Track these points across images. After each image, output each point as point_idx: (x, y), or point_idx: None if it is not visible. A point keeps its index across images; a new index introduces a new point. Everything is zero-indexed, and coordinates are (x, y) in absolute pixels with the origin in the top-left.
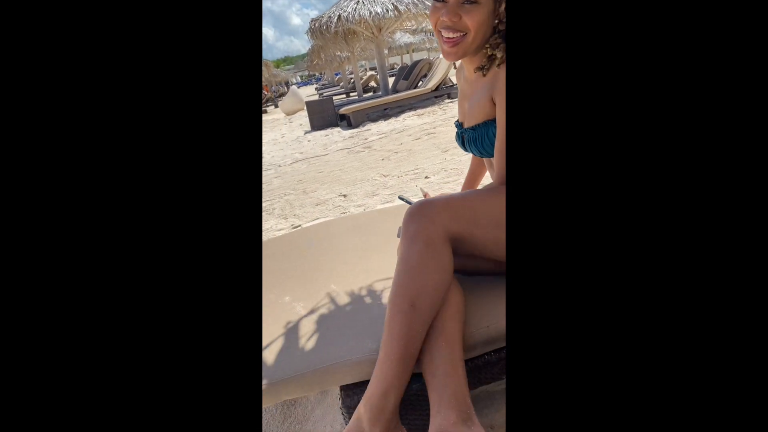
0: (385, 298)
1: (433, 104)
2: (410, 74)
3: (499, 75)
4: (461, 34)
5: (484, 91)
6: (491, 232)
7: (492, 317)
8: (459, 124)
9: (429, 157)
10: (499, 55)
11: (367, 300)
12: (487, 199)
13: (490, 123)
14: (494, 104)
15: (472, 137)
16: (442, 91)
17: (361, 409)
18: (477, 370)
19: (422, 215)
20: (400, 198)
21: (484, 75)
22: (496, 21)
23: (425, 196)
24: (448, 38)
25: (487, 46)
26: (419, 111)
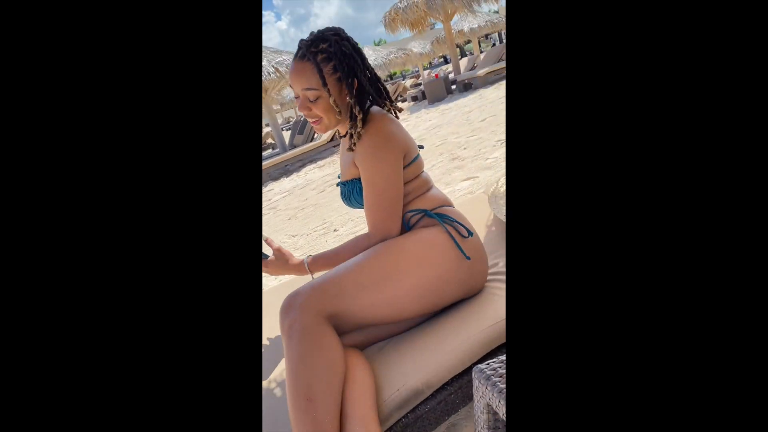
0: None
1: (332, 154)
2: (304, 127)
3: (357, 148)
4: (317, 118)
5: (349, 156)
6: (363, 298)
7: (400, 379)
8: (339, 182)
9: (335, 208)
10: (357, 131)
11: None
12: (351, 267)
13: (356, 181)
14: (356, 168)
15: (344, 191)
16: (338, 141)
17: None
18: None
19: (291, 307)
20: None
21: (349, 148)
22: (349, 99)
23: (267, 242)
24: (311, 122)
25: (352, 124)
26: (320, 163)
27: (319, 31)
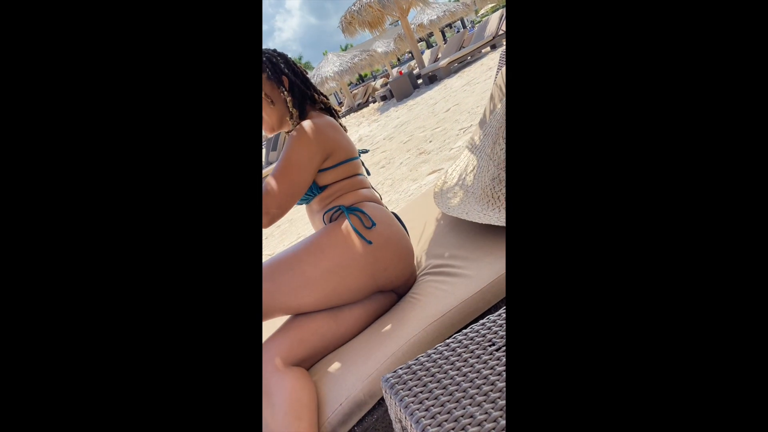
0: None
1: None
2: (276, 144)
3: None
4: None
5: None
6: (284, 284)
7: (344, 392)
8: None
9: (308, 222)
10: (293, 122)
11: None
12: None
13: None
14: None
15: None
16: None
17: None
18: None
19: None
20: None
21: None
22: (283, 95)
23: None
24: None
25: (292, 121)
26: None
27: None
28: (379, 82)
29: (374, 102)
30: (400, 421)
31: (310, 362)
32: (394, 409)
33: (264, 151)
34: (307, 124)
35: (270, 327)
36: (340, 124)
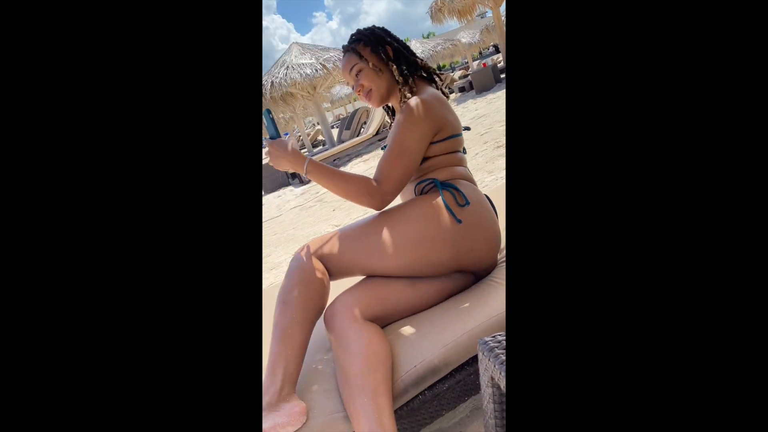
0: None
1: (377, 148)
2: (351, 123)
3: (401, 108)
4: (368, 91)
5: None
6: (358, 245)
7: (418, 355)
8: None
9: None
10: (405, 94)
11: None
12: (359, 245)
13: None
14: None
15: None
16: (384, 134)
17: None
18: (414, 413)
19: (334, 314)
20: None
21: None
22: (390, 64)
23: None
24: (365, 96)
25: (404, 90)
26: (365, 157)
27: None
28: (457, 73)
29: (452, 93)
30: (497, 386)
31: (381, 323)
32: (489, 372)
33: (337, 130)
34: (415, 102)
35: (341, 285)
36: (444, 94)
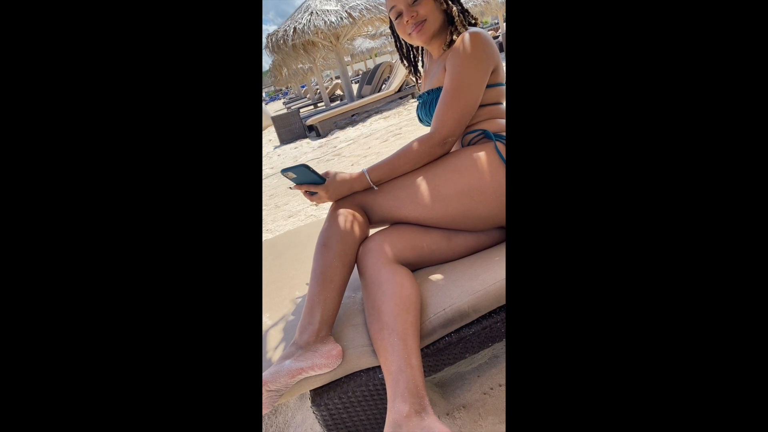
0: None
1: (398, 105)
2: (372, 78)
3: (450, 50)
4: (422, 21)
5: (441, 64)
6: (403, 194)
7: (447, 300)
8: (419, 95)
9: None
10: (455, 37)
11: None
12: (406, 192)
13: (440, 90)
14: (445, 72)
15: (426, 100)
16: (406, 92)
17: (297, 330)
18: (439, 353)
19: (368, 252)
20: (284, 172)
21: (444, 51)
22: (444, 6)
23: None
24: (416, 25)
25: (452, 29)
26: (385, 114)
27: None
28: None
29: None
30: None
31: (412, 268)
32: None
33: (356, 85)
34: (475, 36)
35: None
36: None
